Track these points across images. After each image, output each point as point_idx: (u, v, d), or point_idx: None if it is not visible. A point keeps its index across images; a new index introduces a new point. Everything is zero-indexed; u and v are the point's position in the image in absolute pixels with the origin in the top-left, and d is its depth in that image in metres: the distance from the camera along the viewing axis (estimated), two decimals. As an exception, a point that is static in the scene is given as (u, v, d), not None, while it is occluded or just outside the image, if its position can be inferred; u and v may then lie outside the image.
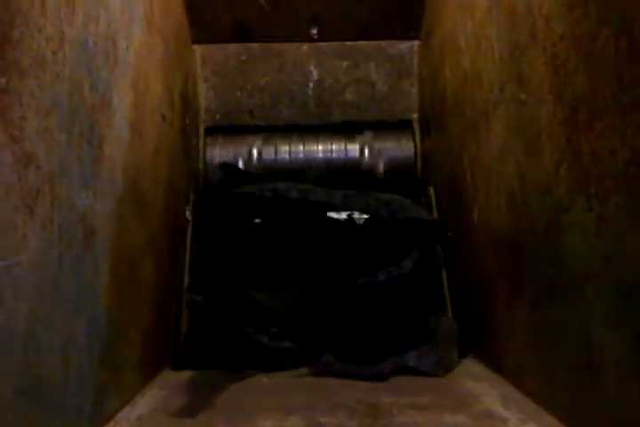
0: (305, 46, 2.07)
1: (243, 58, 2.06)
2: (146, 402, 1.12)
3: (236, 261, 1.50)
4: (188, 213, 1.81)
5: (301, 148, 2.02)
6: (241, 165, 1.98)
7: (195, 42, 2.01)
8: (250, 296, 1.44)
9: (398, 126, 2.06)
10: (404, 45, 2.06)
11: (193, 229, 1.79)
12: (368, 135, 2.03)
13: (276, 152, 2.02)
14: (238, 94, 2.06)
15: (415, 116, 2.06)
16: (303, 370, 1.34)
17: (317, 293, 1.47)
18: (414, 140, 2.03)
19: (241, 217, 1.51)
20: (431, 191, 1.86)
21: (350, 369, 1.30)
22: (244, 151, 2.01)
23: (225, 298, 1.42)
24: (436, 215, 1.81)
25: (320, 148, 2.02)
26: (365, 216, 1.62)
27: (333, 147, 2.02)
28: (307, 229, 1.52)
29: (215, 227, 1.55)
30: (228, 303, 1.42)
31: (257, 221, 1.55)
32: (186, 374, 1.39)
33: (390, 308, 1.39)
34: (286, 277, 1.51)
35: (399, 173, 2.01)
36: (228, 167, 1.73)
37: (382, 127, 2.05)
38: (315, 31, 2.03)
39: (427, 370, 1.32)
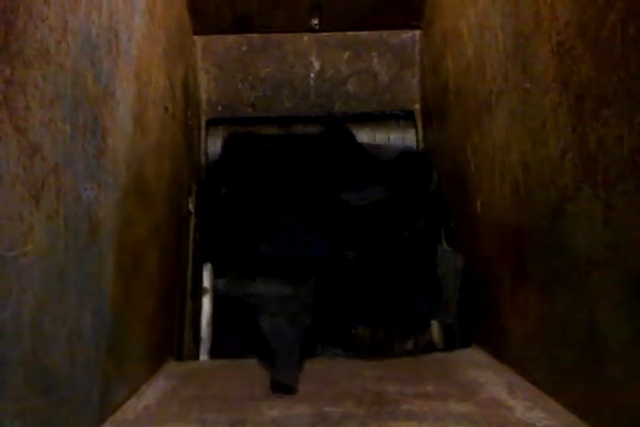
0: (306, 37, 2.06)
1: (244, 49, 2.05)
2: (152, 392, 1.12)
3: (246, 218, 1.56)
4: (190, 205, 1.80)
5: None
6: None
7: (195, 33, 2.00)
8: (257, 249, 1.49)
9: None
10: (405, 35, 2.06)
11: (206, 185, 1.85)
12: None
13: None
14: (239, 86, 2.06)
15: (417, 106, 2.05)
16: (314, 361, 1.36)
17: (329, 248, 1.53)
18: (416, 131, 2.02)
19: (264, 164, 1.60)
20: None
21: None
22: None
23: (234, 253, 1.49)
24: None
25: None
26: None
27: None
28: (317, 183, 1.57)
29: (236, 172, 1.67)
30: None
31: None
32: (190, 365, 1.40)
33: (402, 268, 1.45)
34: (294, 228, 1.56)
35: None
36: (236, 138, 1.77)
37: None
38: (316, 22, 2.02)
39: (437, 316, 1.45)
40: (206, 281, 1.70)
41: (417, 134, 2.02)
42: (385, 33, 2.05)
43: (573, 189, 0.86)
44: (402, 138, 2.01)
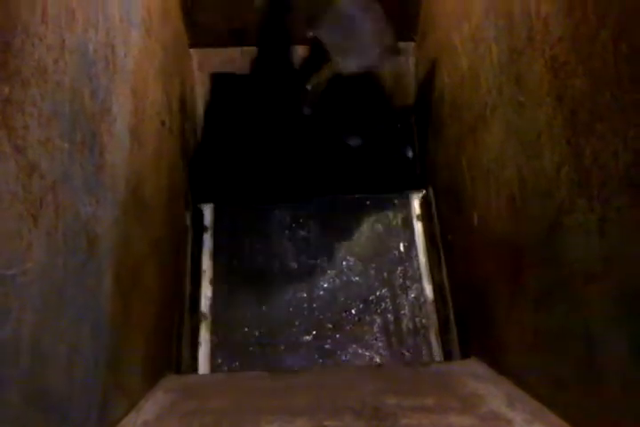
0: (301, 49, 2.07)
1: (240, 62, 2.06)
2: (150, 407, 1.12)
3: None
4: (187, 219, 1.80)
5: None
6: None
7: (192, 46, 2.01)
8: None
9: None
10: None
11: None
12: None
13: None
14: (236, 98, 2.06)
15: (412, 117, 2.06)
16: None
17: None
18: (412, 143, 2.03)
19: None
20: (431, 193, 1.86)
21: None
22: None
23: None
24: (435, 219, 1.82)
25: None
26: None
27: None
28: None
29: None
30: None
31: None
32: (189, 378, 1.39)
33: None
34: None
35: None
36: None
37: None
38: (311, 33, 2.03)
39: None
40: (207, 219, 1.88)
41: (413, 146, 2.03)
42: (379, 44, 2.06)
43: (569, 202, 0.87)
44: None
